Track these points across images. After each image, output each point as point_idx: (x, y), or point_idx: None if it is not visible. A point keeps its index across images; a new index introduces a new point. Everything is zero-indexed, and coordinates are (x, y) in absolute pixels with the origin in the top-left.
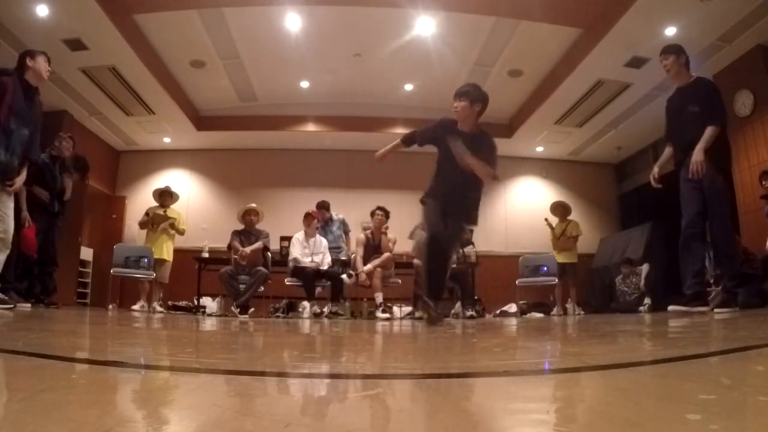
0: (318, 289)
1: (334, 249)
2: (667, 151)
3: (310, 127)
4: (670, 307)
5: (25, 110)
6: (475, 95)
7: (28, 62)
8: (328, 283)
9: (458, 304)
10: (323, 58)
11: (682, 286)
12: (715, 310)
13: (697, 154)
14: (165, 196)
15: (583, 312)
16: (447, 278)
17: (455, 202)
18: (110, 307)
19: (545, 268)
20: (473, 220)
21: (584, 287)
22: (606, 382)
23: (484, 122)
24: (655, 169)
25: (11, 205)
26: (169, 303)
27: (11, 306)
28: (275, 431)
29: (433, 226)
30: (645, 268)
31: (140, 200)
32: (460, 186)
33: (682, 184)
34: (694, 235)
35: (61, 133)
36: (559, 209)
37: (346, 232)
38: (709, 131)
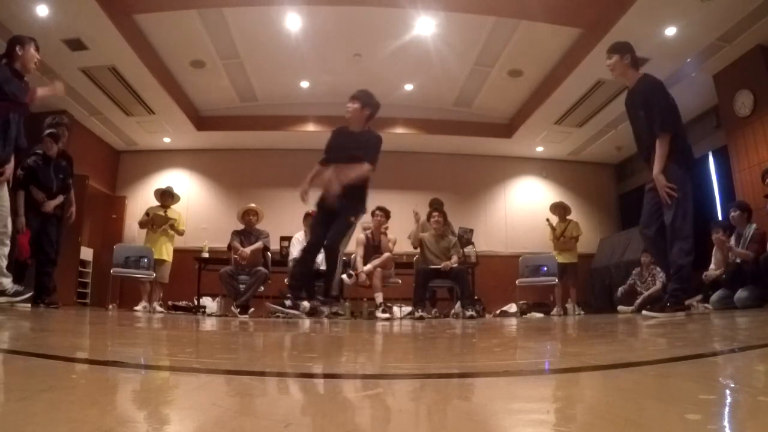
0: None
1: None
2: None
3: (310, 127)
4: (644, 312)
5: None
6: (366, 100)
7: (18, 51)
8: None
9: (458, 304)
10: (323, 58)
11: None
12: (644, 311)
13: (658, 178)
14: (166, 197)
15: (582, 312)
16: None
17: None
18: (110, 307)
19: (545, 268)
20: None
21: (584, 287)
22: (606, 382)
23: (483, 122)
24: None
25: (7, 197)
26: (169, 303)
27: (30, 295)
28: (275, 431)
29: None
30: (662, 277)
31: (140, 200)
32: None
33: (646, 186)
34: (648, 241)
35: (49, 131)
36: (559, 209)
37: None
38: (659, 145)
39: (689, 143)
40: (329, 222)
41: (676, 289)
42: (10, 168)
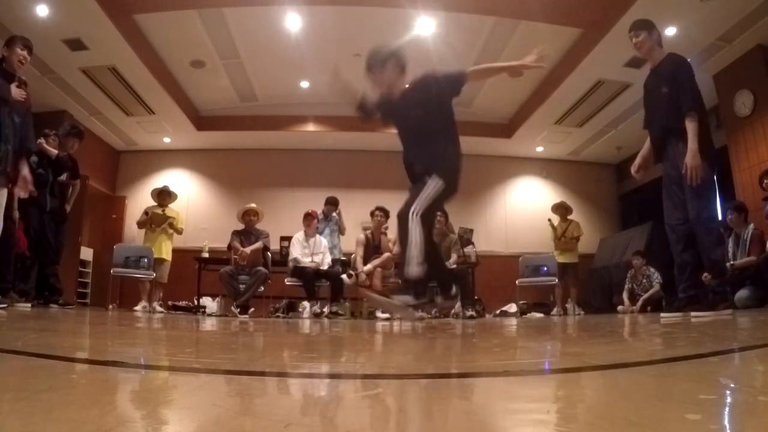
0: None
1: (331, 244)
2: (648, 140)
3: (310, 127)
4: (662, 315)
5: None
6: (394, 59)
7: (3, 52)
8: (328, 283)
9: (458, 304)
10: (323, 58)
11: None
12: (692, 314)
13: (692, 158)
14: (163, 196)
15: (582, 312)
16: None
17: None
18: (110, 307)
19: (545, 268)
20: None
21: (584, 287)
22: (606, 382)
23: (483, 122)
24: (638, 160)
25: (3, 201)
26: (169, 303)
27: (4, 306)
28: (275, 431)
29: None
30: (658, 277)
31: (140, 200)
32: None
33: (663, 179)
34: (682, 237)
35: (46, 130)
36: (560, 210)
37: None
38: (691, 123)
39: (713, 145)
40: None
41: (720, 284)
42: (23, 175)
